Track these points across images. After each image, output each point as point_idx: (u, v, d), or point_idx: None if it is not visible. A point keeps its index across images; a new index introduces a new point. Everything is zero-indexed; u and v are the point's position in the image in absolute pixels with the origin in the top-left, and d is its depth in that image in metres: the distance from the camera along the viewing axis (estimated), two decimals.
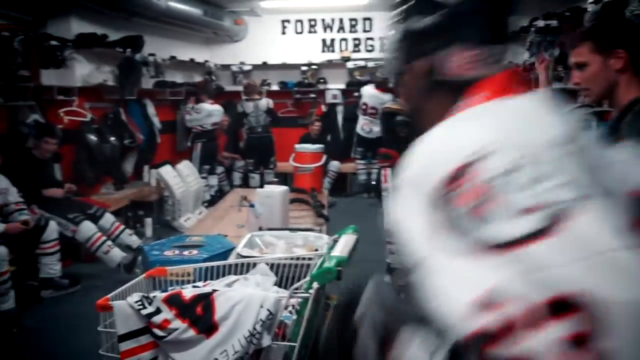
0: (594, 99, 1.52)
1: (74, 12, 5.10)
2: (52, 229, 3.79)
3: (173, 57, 6.68)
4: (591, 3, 3.05)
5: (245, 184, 7.21)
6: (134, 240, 4.51)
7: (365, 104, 7.01)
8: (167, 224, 5.83)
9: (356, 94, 7.32)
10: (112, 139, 5.41)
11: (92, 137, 5.16)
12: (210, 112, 6.51)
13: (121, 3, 4.98)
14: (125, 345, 1.67)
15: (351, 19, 7.84)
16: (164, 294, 1.68)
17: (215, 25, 6.95)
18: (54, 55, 4.42)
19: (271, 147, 7.16)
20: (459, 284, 0.56)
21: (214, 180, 6.77)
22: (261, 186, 6.55)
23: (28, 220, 3.64)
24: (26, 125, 4.37)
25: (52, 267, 3.82)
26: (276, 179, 5.89)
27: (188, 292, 1.69)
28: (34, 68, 4.38)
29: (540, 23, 4.00)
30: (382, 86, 7.13)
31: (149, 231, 5.48)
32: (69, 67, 4.83)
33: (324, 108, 7.92)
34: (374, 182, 7.34)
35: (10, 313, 3.35)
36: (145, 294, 1.71)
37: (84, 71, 5.29)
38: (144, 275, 2.00)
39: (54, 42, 4.44)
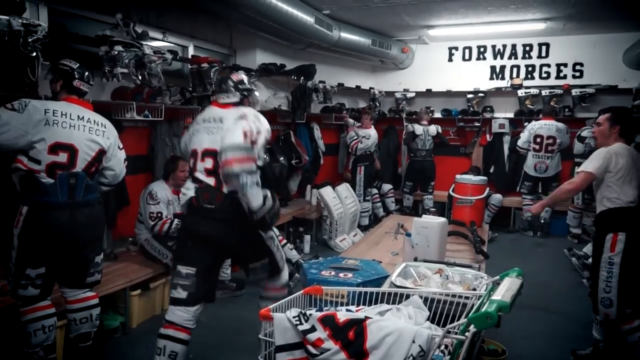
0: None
1: (259, 45, 5.72)
2: None
3: (341, 84, 7.04)
4: None
5: (400, 205, 7.25)
6: (294, 255, 4.79)
7: (540, 136, 6.50)
8: (324, 242, 6.09)
9: (526, 123, 6.83)
10: (281, 158, 5.86)
11: (264, 157, 5.65)
12: (370, 135, 6.71)
13: (299, 36, 5.43)
14: (281, 357, 1.78)
15: (525, 45, 7.38)
16: (320, 313, 1.76)
17: (382, 53, 7.15)
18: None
19: (433, 171, 7.07)
20: None
21: (368, 204, 6.91)
22: (416, 210, 6.51)
23: None
24: None
25: (224, 271, 4.26)
26: (434, 209, 5.75)
27: (342, 315, 1.75)
28: None
29: None
30: (550, 116, 6.58)
31: (307, 247, 5.79)
32: None
33: (488, 137, 7.56)
34: (542, 221, 6.73)
35: None
36: (303, 311, 1.81)
37: (262, 97, 5.86)
38: (302, 291, 2.11)
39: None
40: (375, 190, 7.09)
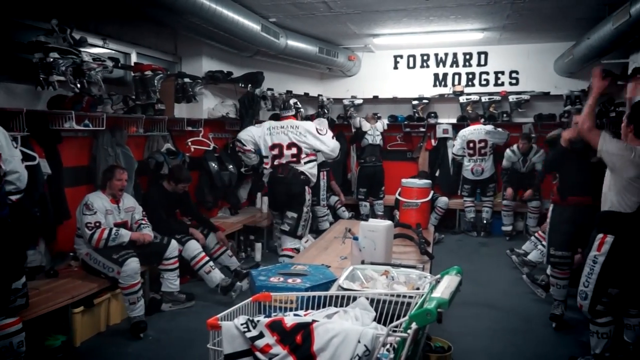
0: None
1: (205, 52, 5.67)
2: (174, 247, 4.16)
3: (289, 92, 7.08)
4: None
5: (356, 212, 7.35)
6: (232, 262, 4.74)
7: (472, 142, 6.85)
8: (276, 249, 6.07)
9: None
10: (231, 166, 5.83)
11: (213, 165, 5.61)
12: None
13: (246, 43, 5.42)
14: None
15: (465, 53, 7.71)
16: (268, 319, 1.77)
17: (329, 61, 7.25)
18: (186, 91, 4.93)
19: (382, 177, 7.24)
20: None
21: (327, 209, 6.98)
22: (372, 217, 6.63)
23: (145, 237, 4.02)
24: (161, 153, 4.90)
25: (172, 282, 4.16)
26: (380, 212, 5.88)
27: (289, 319, 1.76)
28: (169, 103, 4.92)
29: None
30: (477, 121, 6.94)
31: (258, 255, 5.77)
32: (198, 102, 5.34)
33: (433, 142, 7.82)
34: (485, 221, 7.03)
35: (140, 320, 3.72)
36: (250, 317, 1.81)
37: (210, 105, 5.81)
38: (251, 298, 2.11)
39: (186, 80, 4.96)
40: (336, 198, 7.16)
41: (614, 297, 2.98)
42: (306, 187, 4.45)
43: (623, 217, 2.83)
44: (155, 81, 4.32)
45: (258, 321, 1.78)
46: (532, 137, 6.68)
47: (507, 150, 6.67)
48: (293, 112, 4.65)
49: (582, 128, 2.90)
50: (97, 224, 3.72)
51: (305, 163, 4.43)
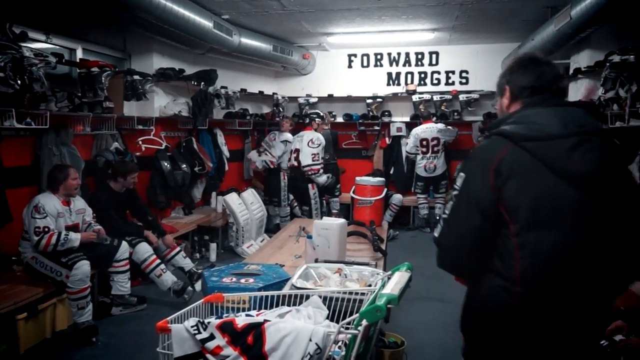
0: None
1: (155, 49, 5.52)
2: (124, 249, 4.04)
3: (243, 90, 7.01)
4: None
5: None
6: (186, 263, 4.64)
7: (425, 140, 7.01)
8: (231, 249, 6.01)
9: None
10: (184, 166, 5.72)
11: (166, 164, 5.48)
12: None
13: (198, 40, 5.32)
14: None
15: (417, 53, 7.88)
16: (218, 321, 1.75)
17: (284, 59, 7.23)
18: (135, 88, 4.79)
19: (337, 175, 7.28)
20: None
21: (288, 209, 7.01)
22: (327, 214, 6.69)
23: (99, 230, 3.90)
24: (110, 152, 4.74)
25: (123, 285, 4.05)
26: (335, 210, 5.93)
27: (241, 320, 1.75)
28: (118, 100, 4.76)
29: (616, 58, 3.82)
30: (429, 119, 7.15)
31: (213, 256, 5.68)
32: (148, 99, 5.20)
33: (387, 140, 7.94)
34: (438, 217, 7.21)
35: (89, 325, 3.59)
36: (201, 319, 1.78)
37: (161, 103, 5.67)
38: (202, 300, 2.08)
39: (136, 77, 4.81)
40: (291, 196, 7.16)
41: None
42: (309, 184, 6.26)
43: None
44: (103, 78, 4.17)
45: (209, 323, 1.76)
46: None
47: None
48: (310, 123, 6.51)
49: None
50: (46, 229, 3.54)
51: (304, 166, 6.21)
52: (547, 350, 1.42)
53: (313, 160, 6.20)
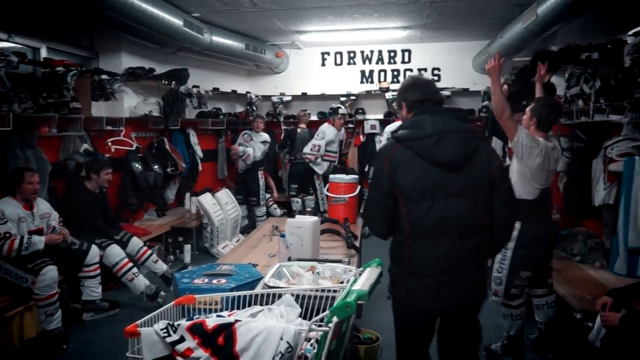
0: None
1: (124, 48, 5.42)
2: (94, 253, 3.95)
3: (216, 89, 6.94)
4: (630, 35, 2.98)
5: (288, 209, 7.34)
6: (158, 268, 4.56)
7: None
8: (206, 250, 5.95)
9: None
10: (156, 167, 5.62)
11: (137, 165, 5.38)
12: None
13: (168, 39, 5.24)
14: None
15: (390, 51, 7.93)
16: (188, 323, 1.72)
17: (256, 58, 7.18)
18: (103, 88, 4.68)
19: (312, 173, 7.26)
20: None
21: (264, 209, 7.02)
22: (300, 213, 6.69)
23: (63, 233, 3.80)
24: (80, 154, 4.62)
25: (94, 290, 3.96)
26: (309, 209, 5.93)
27: (211, 321, 1.72)
28: (86, 101, 4.65)
29: (581, 55, 3.92)
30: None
31: (187, 257, 5.60)
32: (118, 99, 5.10)
33: (362, 138, 7.97)
34: None
35: (58, 332, 3.49)
36: (171, 322, 1.75)
37: (131, 103, 5.56)
38: (173, 302, 2.05)
39: (104, 76, 4.71)
40: (268, 195, 7.13)
41: (525, 280, 3.18)
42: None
43: (526, 204, 3.03)
44: (69, 78, 4.06)
45: (179, 325, 1.73)
46: None
47: None
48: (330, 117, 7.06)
49: (501, 116, 2.95)
50: (7, 235, 3.43)
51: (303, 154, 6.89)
52: (430, 279, 2.09)
53: (311, 150, 6.82)
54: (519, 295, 3.21)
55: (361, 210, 2.32)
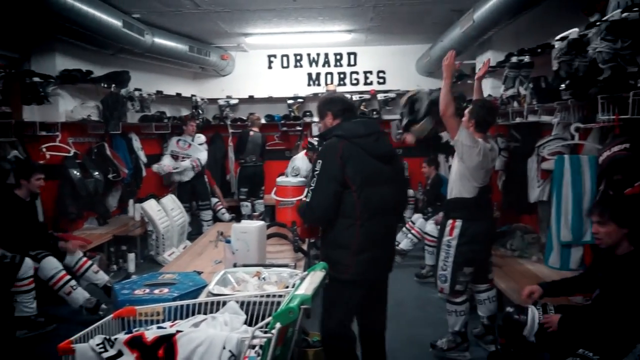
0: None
1: (58, 49, 5.16)
2: (28, 266, 3.73)
3: (159, 92, 6.75)
4: (557, 40, 3.15)
5: (237, 213, 7.22)
6: (99, 279, 4.35)
7: None
8: (152, 259, 5.76)
9: None
10: (96, 173, 5.39)
11: (75, 172, 5.13)
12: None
13: (106, 40, 5.04)
14: None
15: (336, 54, 8.00)
16: (126, 336, 1.66)
17: (201, 60, 7.04)
18: (36, 91, 4.44)
19: (262, 177, 7.21)
20: None
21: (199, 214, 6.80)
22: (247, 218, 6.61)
23: None
24: (7, 161, 4.35)
25: (28, 305, 3.73)
26: (256, 213, 5.87)
27: (151, 333, 1.67)
28: (16, 104, 4.39)
29: (514, 59, 4.11)
30: None
31: (132, 266, 5.40)
32: (52, 103, 4.85)
33: (310, 140, 7.98)
34: None
35: None
36: (107, 337, 1.68)
37: (67, 107, 5.31)
38: (112, 315, 1.96)
39: (36, 79, 4.46)
40: (215, 199, 7.00)
41: (468, 276, 3.29)
42: None
43: (466, 202, 3.15)
44: None
45: (116, 339, 1.66)
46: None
47: None
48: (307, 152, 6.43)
49: (445, 112, 3.05)
50: None
51: None
52: (370, 253, 2.51)
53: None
54: (463, 292, 3.31)
55: (306, 200, 2.55)
